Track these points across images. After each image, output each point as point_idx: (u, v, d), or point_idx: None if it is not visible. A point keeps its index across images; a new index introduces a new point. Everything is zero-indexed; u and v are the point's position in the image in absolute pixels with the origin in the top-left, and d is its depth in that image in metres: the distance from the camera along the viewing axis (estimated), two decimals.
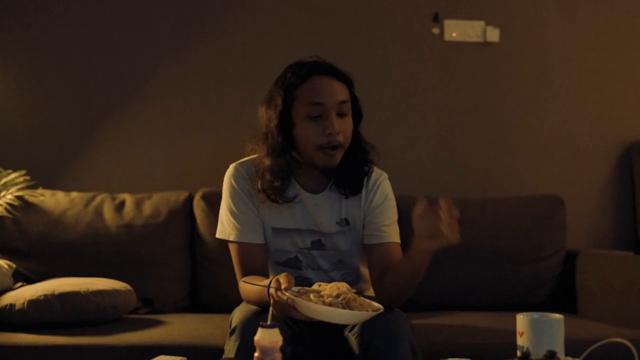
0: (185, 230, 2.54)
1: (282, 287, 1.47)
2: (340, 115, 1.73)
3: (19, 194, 2.48)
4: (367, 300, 1.53)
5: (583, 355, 1.25)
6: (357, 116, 1.81)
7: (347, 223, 1.83)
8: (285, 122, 1.74)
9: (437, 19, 2.91)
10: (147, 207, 2.53)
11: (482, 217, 2.61)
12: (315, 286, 1.54)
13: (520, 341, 1.44)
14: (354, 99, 1.80)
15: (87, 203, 2.53)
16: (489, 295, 2.55)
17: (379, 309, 1.51)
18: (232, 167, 1.85)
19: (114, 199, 2.57)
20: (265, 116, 1.79)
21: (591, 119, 2.97)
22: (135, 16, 2.83)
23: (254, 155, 1.83)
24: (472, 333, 2.08)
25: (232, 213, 1.79)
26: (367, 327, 1.60)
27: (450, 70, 2.93)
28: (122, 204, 2.55)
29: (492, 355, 1.87)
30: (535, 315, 1.46)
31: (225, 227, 1.80)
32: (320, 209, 1.81)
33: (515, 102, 2.95)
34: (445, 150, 2.93)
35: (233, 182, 1.81)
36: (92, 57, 2.82)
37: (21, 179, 2.51)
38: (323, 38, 2.88)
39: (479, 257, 2.55)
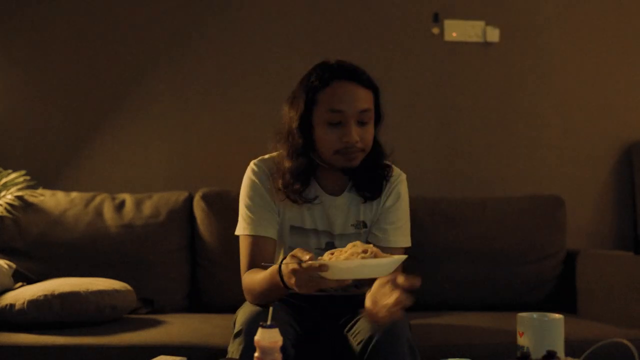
0: (185, 230, 2.54)
1: (305, 258, 1.44)
2: (361, 123, 1.72)
3: (19, 194, 2.48)
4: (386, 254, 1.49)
5: (583, 356, 1.25)
6: (378, 119, 1.79)
7: (365, 225, 1.83)
8: (306, 124, 1.74)
9: (437, 19, 2.91)
10: (147, 207, 2.53)
11: (482, 217, 2.61)
12: (326, 256, 1.47)
13: (520, 341, 1.44)
14: (377, 104, 1.78)
15: (87, 203, 2.53)
16: (489, 295, 2.55)
17: (400, 257, 1.47)
18: (252, 164, 1.83)
19: (114, 199, 2.57)
20: (287, 116, 1.79)
21: (591, 119, 2.97)
22: (134, 17, 2.83)
23: (275, 153, 1.83)
24: (472, 333, 2.08)
25: (248, 207, 1.78)
26: (365, 326, 1.60)
27: (450, 70, 2.93)
28: (122, 204, 2.55)
29: (492, 355, 1.87)
30: (535, 315, 1.46)
31: (241, 222, 1.80)
32: (338, 211, 1.81)
33: (515, 102, 2.95)
34: (446, 150, 2.93)
35: (254, 177, 1.80)
36: (92, 57, 2.82)
37: (21, 179, 2.51)
38: (323, 38, 2.88)
39: (479, 257, 2.56)
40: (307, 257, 1.43)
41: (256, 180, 1.79)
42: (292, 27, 2.88)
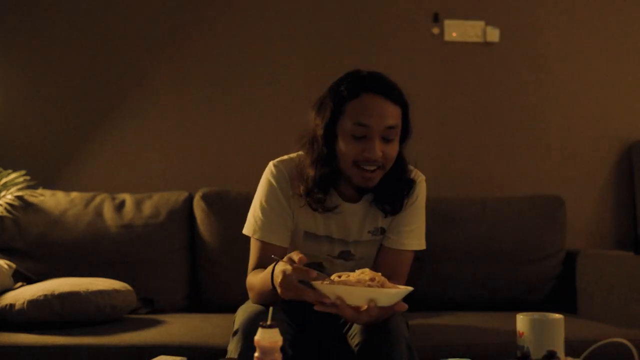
0: (185, 230, 2.54)
1: (295, 259, 1.44)
2: (385, 139, 1.67)
3: (19, 194, 2.48)
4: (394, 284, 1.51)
5: (583, 355, 1.25)
6: (405, 135, 1.74)
7: (382, 232, 1.80)
8: (331, 133, 1.70)
9: (437, 19, 2.91)
10: (147, 207, 2.53)
11: (482, 217, 2.61)
12: (334, 277, 1.48)
13: (520, 341, 1.44)
14: (405, 120, 1.72)
15: (87, 203, 2.53)
16: (489, 295, 2.55)
17: (407, 288, 1.48)
18: (272, 165, 1.79)
19: (114, 199, 2.57)
20: (313, 123, 1.74)
21: (591, 119, 2.97)
22: (134, 17, 2.83)
23: (294, 155, 1.80)
24: (472, 333, 2.08)
25: (262, 210, 1.75)
26: (363, 327, 1.59)
27: (450, 70, 2.93)
28: (122, 204, 2.55)
29: (492, 355, 1.87)
30: (535, 315, 1.46)
31: (252, 223, 1.76)
32: (356, 218, 1.78)
33: (515, 102, 2.95)
34: (446, 150, 2.93)
35: (273, 181, 1.75)
36: (91, 58, 2.82)
37: (21, 179, 2.51)
38: (323, 38, 2.88)
39: (479, 257, 2.56)
40: (297, 257, 1.45)
41: (274, 184, 1.75)
42: (292, 28, 2.88)
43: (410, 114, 1.75)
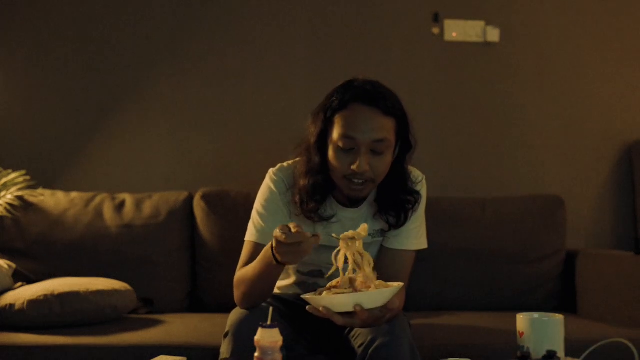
0: (185, 230, 2.54)
1: (293, 230, 1.42)
2: (375, 152, 1.63)
3: (19, 194, 2.48)
4: (384, 282, 1.52)
5: (583, 356, 1.25)
6: (406, 147, 1.71)
7: (382, 233, 1.79)
8: (323, 143, 1.69)
9: (437, 19, 2.91)
10: (147, 207, 2.53)
11: (482, 217, 2.61)
12: (328, 287, 1.51)
13: (520, 341, 1.44)
14: (403, 131, 1.68)
15: (87, 203, 2.53)
16: (489, 295, 2.55)
17: (397, 286, 1.49)
18: (272, 173, 1.78)
19: (114, 199, 2.57)
20: (309, 130, 1.73)
21: (591, 119, 2.97)
22: (134, 16, 2.83)
23: (292, 162, 1.79)
24: (472, 333, 2.08)
25: (260, 215, 1.74)
26: (366, 328, 1.59)
27: (450, 70, 2.93)
28: (122, 204, 2.55)
29: (492, 355, 1.88)
30: (535, 315, 1.46)
31: (250, 228, 1.75)
32: (355, 223, 1.75)
33: (515, 102, 2.95)
34: (445, 150, 2.93)
35: (274, 188, 1.75)
36: (92, 58, 2.82)
37: (21, 179, 2.51)
38: (322, 38, 2.88)
39: (479, 257, 2.56)
40: (296, 229, 1.43)
41: (275, 190, 1.75)
42: (292, 28, 2.88)
43: (412, 121, 1.69)
